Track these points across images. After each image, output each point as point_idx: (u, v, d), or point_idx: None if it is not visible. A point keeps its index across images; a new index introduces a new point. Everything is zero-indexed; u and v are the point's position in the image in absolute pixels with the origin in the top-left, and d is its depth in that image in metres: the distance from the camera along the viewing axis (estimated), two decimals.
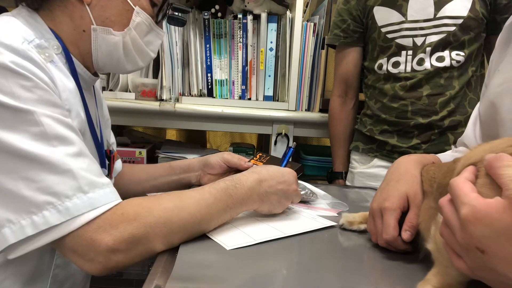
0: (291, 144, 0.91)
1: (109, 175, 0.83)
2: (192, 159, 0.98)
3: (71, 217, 0.54)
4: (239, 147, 1.60)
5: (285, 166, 0.85)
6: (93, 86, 0.81)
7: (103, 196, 0.58)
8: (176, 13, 0.92)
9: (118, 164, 0.97)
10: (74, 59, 0.71)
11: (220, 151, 1.04)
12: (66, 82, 0.66)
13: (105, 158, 0.79)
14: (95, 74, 0.79)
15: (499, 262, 0.36)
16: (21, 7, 0.69)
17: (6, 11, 1.55)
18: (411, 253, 0.61)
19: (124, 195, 0.80)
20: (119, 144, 1.35)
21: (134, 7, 0.73)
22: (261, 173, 0.72)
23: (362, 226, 0.70)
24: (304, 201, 0.86)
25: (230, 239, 0.62)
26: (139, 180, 0.98)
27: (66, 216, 0.54)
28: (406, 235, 0.59)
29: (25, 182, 0.54)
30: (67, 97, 0.65)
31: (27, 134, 0.54)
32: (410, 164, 0.67)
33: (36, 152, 0.54)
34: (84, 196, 0.56)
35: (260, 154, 0.95)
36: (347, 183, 1.32)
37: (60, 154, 0.56)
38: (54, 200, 0.54)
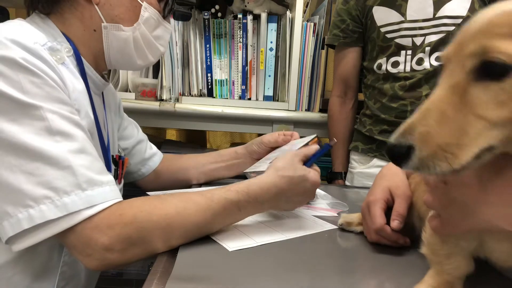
0: (331, 142, 0.84)
1: (116, 180, 0.84)
2: (237, 147, 1.02)
3: (68, 212, 0.55)
4: None
5: (311, 164, 0.77)
6: (102, 92, 0.82)
7: (101, 194, 0.58)
8: (182, 8, 0.94)
9: (156, 160, 1.00)
10: (84, 61, 0.72)
11: None
12: (76, 84, 0.67)
13: (110, 163, 0.80)
14: (103, 77, 0.80)
15: (456, 188, 0.43)
16: (34, 15, 0.71)
17: (6, 11, 1.55)
18: (409, 249, 0.62)
19: (172, 184, 0.92)
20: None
21: (141, 2, 0.75)
22: (281, 187, 0.69)
23: (359, 228, 0.71)
24: None
25: (232, 240, 0.63)
26: (187, 166, 1.01)
27: (63, 211, 0.54)
28: (394, 224, 0.61)
29: (25, 176, 0.54)
30: (77, 98, 0.65)
31: (31, 128, 0.55)
32: (392, 166, 0.70)
33: (38, 146, 0.55)
34: (82, 193, 0.56)
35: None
36: (347, 183, 1.33)
37: (62, 149, 0.56)
38: (52, 195, 0.54)
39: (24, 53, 0.57)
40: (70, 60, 0.69)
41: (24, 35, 0.61)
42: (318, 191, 0.95)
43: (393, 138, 0.38)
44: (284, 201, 0.71)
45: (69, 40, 0.71)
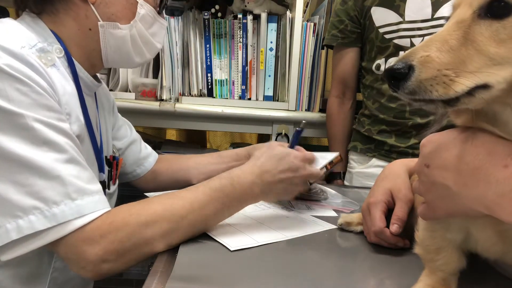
0: (301, 125, 0.83)
1: (110, 181, 0.84)
2: (238, 149, 1.02)
3: (57, 223, 0.54)
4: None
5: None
6: (95, 93, 0.82)
7: (91, 203, 0.57)
8: (175, 3, 0.94)
9: (151, 161, 0.99)
10: (76, 62, 0.72)
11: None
12: (66, 86, 0.66)
13: (103, 164, 0.79)
14: (96, 78, 0.79)
15: (436, 171, 0.44)
16: (24, 14, 0.70)
17: (6, 11, 1.55)
18: (409, 249, 0.62)
19: (172, 184, 0.90)
20: None
21: (137, 0, 0.75)
22: (262, 165, 0.70)
23: (359, 228, 0.71)
24: (315, 199, 0.88)
25: (233, 240, 0.63)
26: (187, 167, 1.00)
27: (53, 222, 0.54)
28: (393, 228, 0.61)
29: (14, 186, 0.53)
30: (67, 101, 0.65)
31: (18, 137, 0.54)
32: (394, 166, 0.71)
33: (27, 156, 0.54)
34: (71, 203, 0.55)
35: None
36: (346, 183, 1.33)
37: (50, 159, 0.56)
38: (41, 205, 0.54)
39: (9, 59, 0.56)
40: (61, 61, 0.68)
41: (10, 39, 0.59)
42: (329, 190, 0.96)
43: (393, 61, 0.38)
44: (271, 181, 0.70)
45: (60, 40, 0.70)
